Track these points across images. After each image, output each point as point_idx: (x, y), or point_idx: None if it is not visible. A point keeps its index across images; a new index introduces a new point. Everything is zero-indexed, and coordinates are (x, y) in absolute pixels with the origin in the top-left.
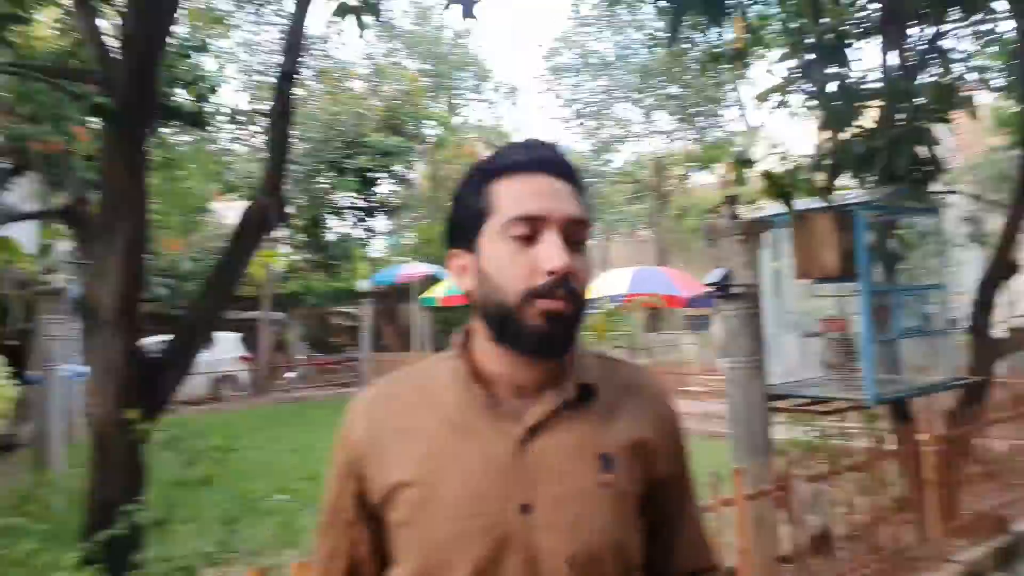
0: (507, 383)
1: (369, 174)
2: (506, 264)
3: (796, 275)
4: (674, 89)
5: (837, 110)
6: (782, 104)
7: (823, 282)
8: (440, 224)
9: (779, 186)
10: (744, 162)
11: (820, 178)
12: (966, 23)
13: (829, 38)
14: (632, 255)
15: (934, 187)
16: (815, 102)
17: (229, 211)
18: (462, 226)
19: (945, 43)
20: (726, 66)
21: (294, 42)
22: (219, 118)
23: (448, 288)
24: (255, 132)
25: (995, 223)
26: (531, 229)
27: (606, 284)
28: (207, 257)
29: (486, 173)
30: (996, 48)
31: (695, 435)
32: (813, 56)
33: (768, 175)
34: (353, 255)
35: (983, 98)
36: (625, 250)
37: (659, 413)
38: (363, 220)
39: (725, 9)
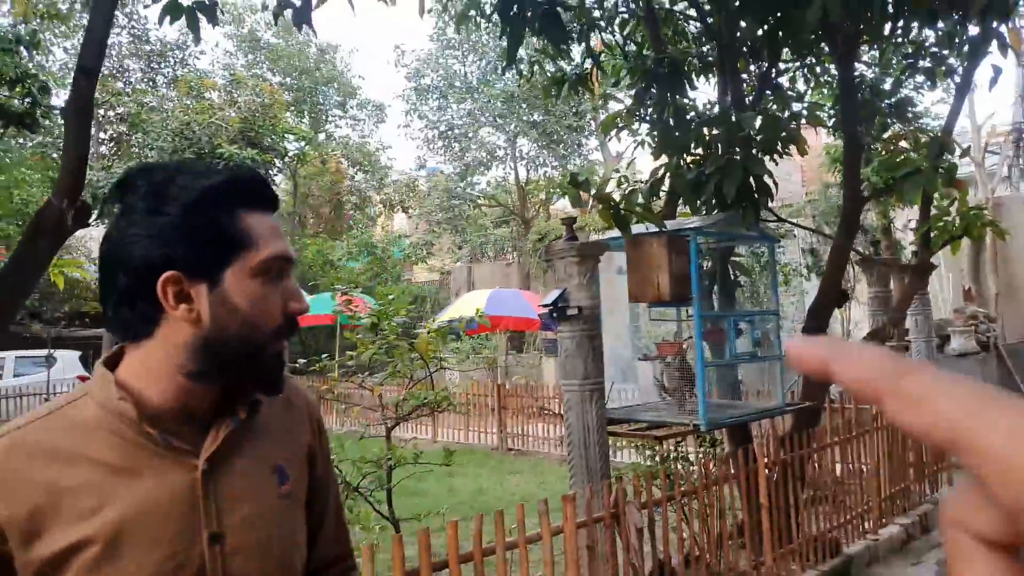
0: (178, 415)
1: None
2: (261, 302)
3: (630, 298)
4: (537, 116)
5: (671, 137)
6: (626, 130)
7: (656, 306)
8: (296, 239)
9: (613, 209)
10: (578, 183)
11: (656, 203)
12: (798, 63)
13: (667, 69)
14: (496, 278)
15: (765, 215)
16: (653, 130)
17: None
18: (198, 252)
19: (781, 80)
20: (569, 92)
21: (97, 36)
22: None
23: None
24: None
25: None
26: (279, 269)
27: (463, 305)
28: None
29: (234, 201)
30: (825, 89)
31: (550, 459)
32: (652, 85)
33: (602, 198)
34: None
35: (822, 136)
36: (489, 273)
37: (314, 417)
38: None
39: (565, 35)
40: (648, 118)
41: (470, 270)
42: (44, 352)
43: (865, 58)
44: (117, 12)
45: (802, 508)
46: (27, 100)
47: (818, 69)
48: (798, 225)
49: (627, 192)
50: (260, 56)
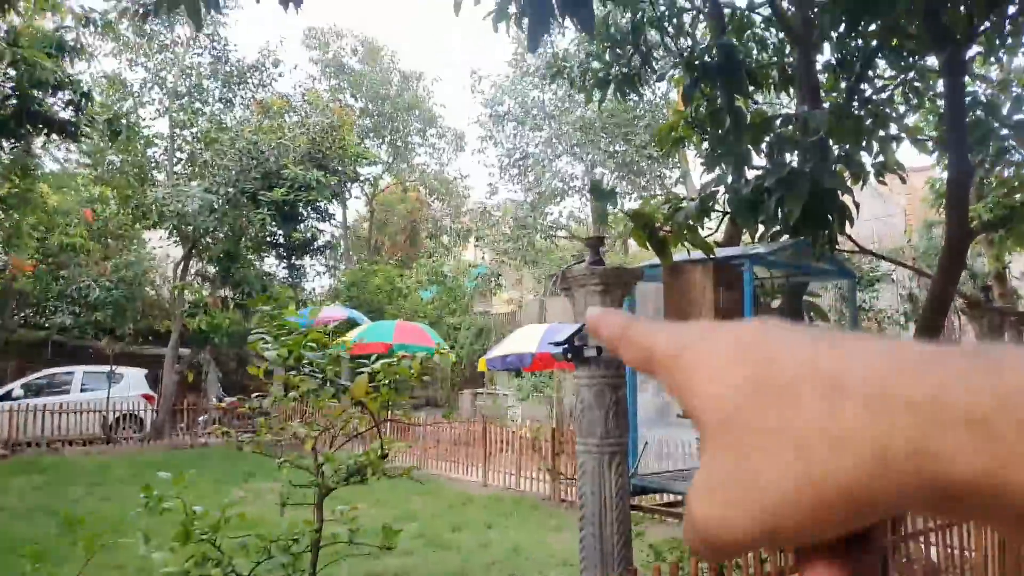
0: None
1: (288, 208)
2: None
3: None
4: (616, 146)
5: (725, 142)
6: (683, 142)
7: None
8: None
9: (648, 229)
10: (602, 193)
11: (708, 229)
12: (895, 79)
13: (720, 59)
14: (569, 313)
15: (845, 244)
16: (704, 134)
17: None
18: None
19: (875, 98)
20: (616, 95)
21: None
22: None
23: (358, 334)
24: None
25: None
26: None
27: (517, 340)
28: (119, 286)
29: None
30: (931, 116)
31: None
32: (703, 79)
33: (636, 214)
34: (277, 294)
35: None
36: (562, 308)
37: None
38: (286, 258)
39: (592, 17)
40: (700, 123)
41: (542, 303)
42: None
43: (979, 71)
44: (200, 34)
45: None
46: (69, 107)
47: (919, 85)
48: (893, 261)
49: (670, 210)
50: (343, 81)
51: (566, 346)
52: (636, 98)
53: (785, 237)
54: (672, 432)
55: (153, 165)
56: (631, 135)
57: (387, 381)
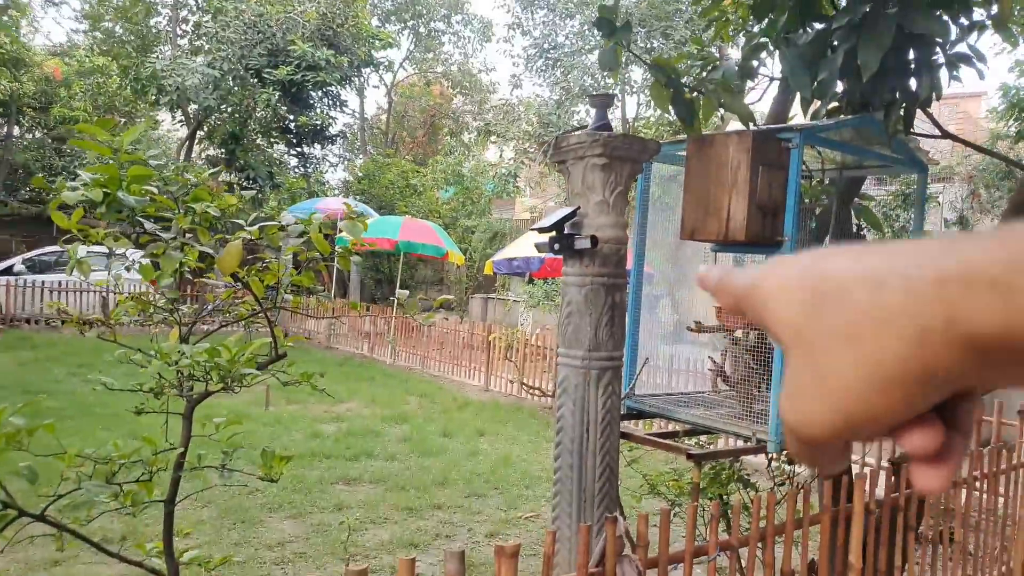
0: None
1: (296, 90)
2: None
3: (682, 231)
4: (655, 41)
5: None
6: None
7: (725, 249)
8: (391, 160)
9: (670, 83)
10: (612, 26)
11: (744, 88)
12: None
13: None
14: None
15: (921, 127)
16: None
17: None
18: None
19: None
20: None
21: None
22: None
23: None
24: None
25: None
26: None
27: (524, 243)
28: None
29: None
30: None
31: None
32: None
33: (657, 63)
34: (286, 182)
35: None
36: None
37: None
38: (296, 145)
39: None
40: None
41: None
42: None
43: None
44: None
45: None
46: None
47: None
48: (991, 153)
49: (704, 68)
50: None
51: (553, 234)
52: None
53: (842, 118)
54: (683, 349)
55: (156, 36)
56: (670, 30)
57: (288, 258)
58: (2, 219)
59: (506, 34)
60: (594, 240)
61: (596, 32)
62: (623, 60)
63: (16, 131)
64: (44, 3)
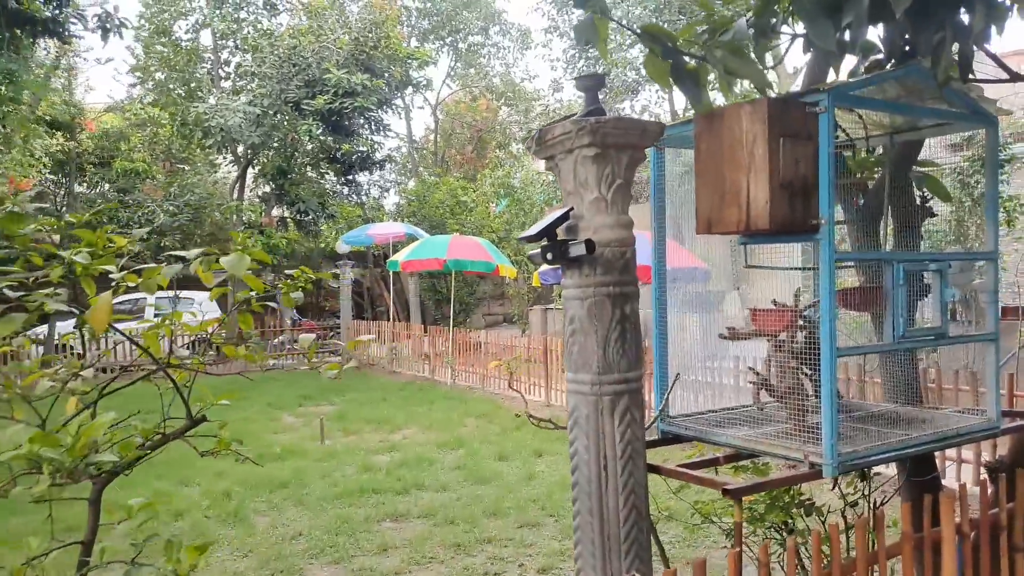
0: None
1: (336, 118)
2: None
3: (698, 224)
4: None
5: None
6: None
7: (751, 240)
8: (440, 180)
9: (666, 51)
10: None
11: (764, 49)
12: None
13: None
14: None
15: (982, 71)
16: None
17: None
18: None
19: None
20: None
21: None
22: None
23: (411, 251)
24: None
25: None
26: None
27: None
28: (184, 210)
29: None
30: None
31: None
32: None
33: (648, 29)
34: (339, 212)
35: None
36: (640, 216)
37: None
38: (344, 173)
39: None
40: None
41: None
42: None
43: None
44: None
45: None
46: (53, 4)
47: None
48: None
49: (708, 29)
50: None
51: (545, 243)
52: None
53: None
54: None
55: (200, 81)
56: (716, 17)
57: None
58: None
59: (544, 39)
60: (589, 245)
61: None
62: (607, 31)
63: (83, 188)
64: (94, 63)
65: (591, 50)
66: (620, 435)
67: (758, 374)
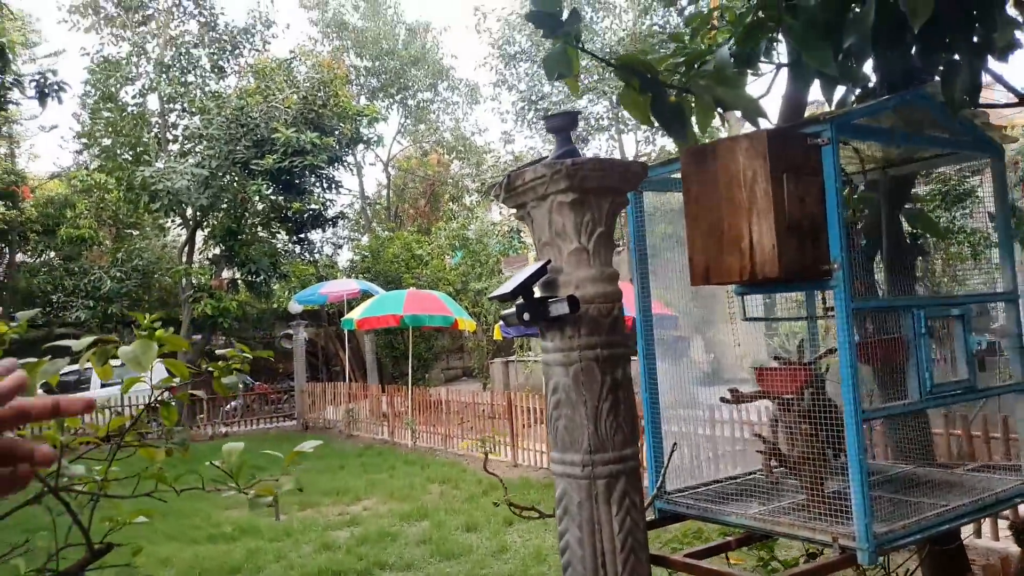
0: None
1: (286, 177)
2: None
3: (692, 276)
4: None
5: None
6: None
7: (752, 290)
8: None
9: (644, 83)
10: (550, 20)
11: (745, 77)
12: None
13: None
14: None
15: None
16: None
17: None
18: None
19: None
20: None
21: None
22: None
23: (366, 308)
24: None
25: None
26: None
27: None
28: (132, 276)
29: None
30: None
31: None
32: None
33: (624, 60)
34: (292, 271)
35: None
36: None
37: None
38: (296, 232)
39: None
40: None
41: None
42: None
43: None
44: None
45: None
46: None
47: None
48: None
49: (690, 62)
50: (346, 40)
51: (521, 301)
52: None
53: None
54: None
55: (146, 145)
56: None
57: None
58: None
59: (492, 92)
60: (572, 302)
61: (584, 77)
62: (579, 63)
63: (27, 256)
64: (38, 130)
65: (540, 101)
66: (619, 525)
67: (766, 440)
